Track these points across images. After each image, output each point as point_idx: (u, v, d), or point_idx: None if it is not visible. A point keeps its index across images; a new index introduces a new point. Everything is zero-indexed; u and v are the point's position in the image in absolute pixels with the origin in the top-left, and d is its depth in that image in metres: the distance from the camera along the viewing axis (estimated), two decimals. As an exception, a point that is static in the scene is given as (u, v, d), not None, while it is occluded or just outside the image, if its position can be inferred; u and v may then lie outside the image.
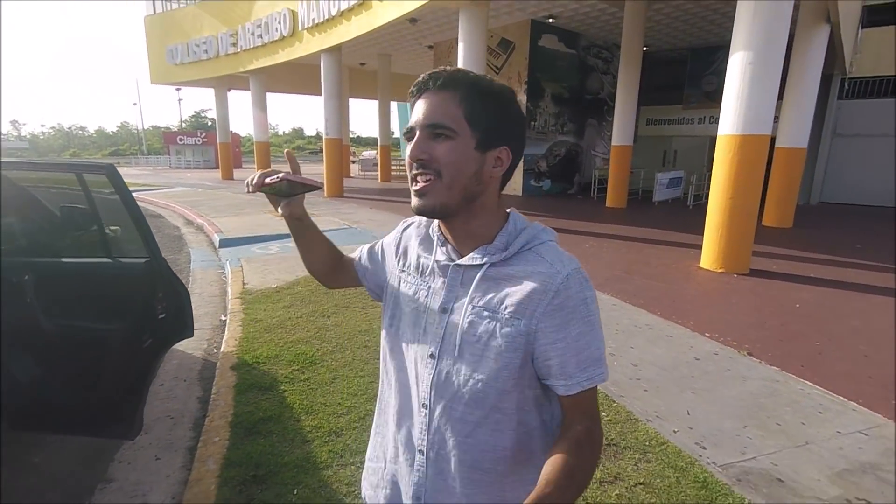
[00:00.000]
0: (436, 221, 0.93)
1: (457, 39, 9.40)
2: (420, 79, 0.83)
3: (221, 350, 3.80)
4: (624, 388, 3.18)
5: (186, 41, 18.61)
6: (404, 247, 0.99)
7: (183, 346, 3.80)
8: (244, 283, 5.56)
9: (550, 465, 0.74)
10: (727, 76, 5.91)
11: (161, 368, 3.43)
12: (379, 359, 1.02)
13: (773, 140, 7.04)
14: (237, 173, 24.42)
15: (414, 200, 0.83)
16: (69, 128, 78.79)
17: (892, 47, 13.45)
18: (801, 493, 2.25)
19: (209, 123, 61.63)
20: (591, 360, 0.82)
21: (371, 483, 1.01)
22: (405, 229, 1.02)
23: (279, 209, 0.97)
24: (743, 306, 4.99)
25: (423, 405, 0.88)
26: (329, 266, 1.10)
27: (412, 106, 0.84)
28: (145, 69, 22.16)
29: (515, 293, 0.82)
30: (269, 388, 3.15)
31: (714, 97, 6.33)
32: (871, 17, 13.71)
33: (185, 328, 2.39)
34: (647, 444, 2.60)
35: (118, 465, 2.47)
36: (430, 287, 0.90)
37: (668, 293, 5.34)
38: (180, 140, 38.19)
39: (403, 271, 0.97)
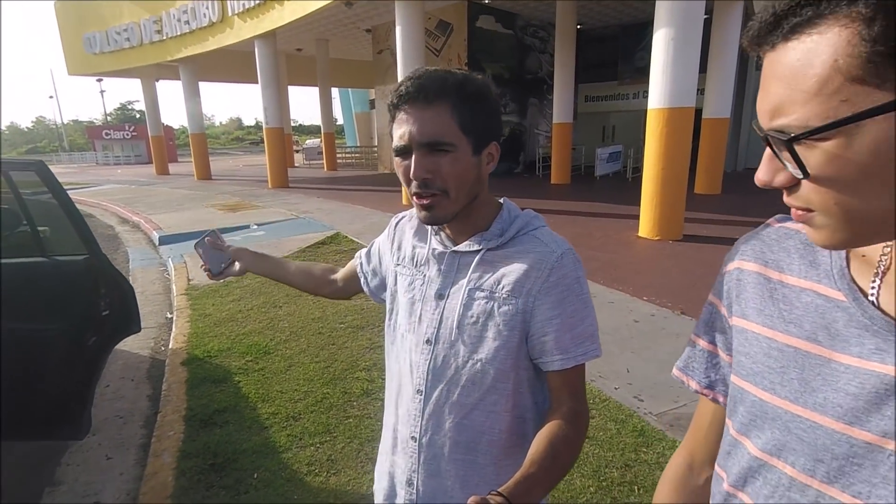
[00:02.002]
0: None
1: (395, 22, 9.32)
2: (403, 89, 0.80)
3: (170, 347, 3.75)
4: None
5: (105, 29, 17.42)
6: (398, 241, 1.00)
7: (128, 345, 3.72)
8: (189, 279, 5.43)
9: (536, 446, 0.76)
10: (652, 52, 6.19)
11: (106, 369, 3.35)
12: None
13: (699, 112, 7.47)
14: (173, 167, 23.33)
15: (421, 214, 0.84)
16: (-24, 126, 72.52)
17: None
18: (725, 431, 2.51)
19: (137, 116, 58.18)
20: (586, 336, 0.84)
21: (377, 474, 1.04)
22: (398, 223, 1.03)
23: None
24: (677, 270, 5.34)
25: (419, 391, 0.90)
26: (316, 282, 1.19)
27: (394, 117, 0.83)
28: (60, 59, 20.42)
29: (512, 273, 0.84)
30: (222, 380, 3.15)
31: (646, 72, 6.60)
32: (783, -8, 14.61)
33: (131, 323, 2.37)
34: (591, 401, 2.80)
35: (66, 469, 2.44)
36: (425, 276, 0.92)
37: (609, 262, 5.63)
38: (106, 134, 35.97)
39: (399, 264, 0.98)
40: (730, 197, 10.15)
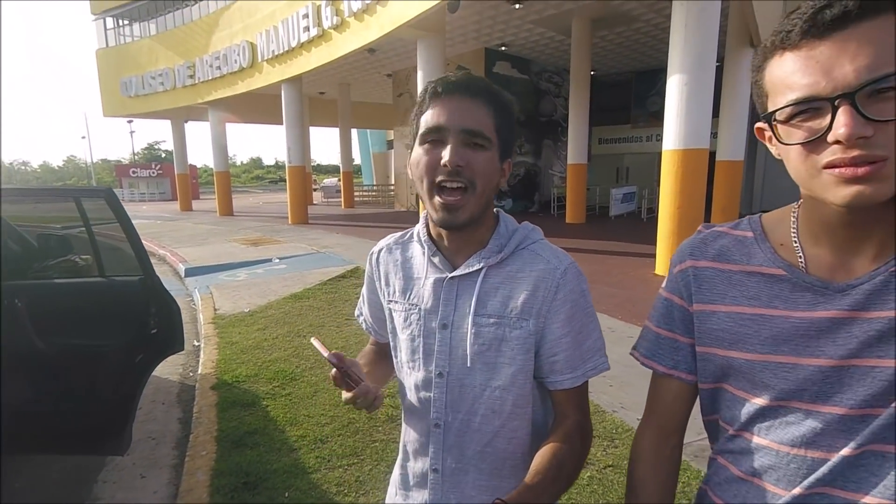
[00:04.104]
0: (415, 239, 0.91)
1: (415, 67, 9.76)
2: (449, 79, 0.78)
3: (199, 372, 3.85)
4: (591, 385, 3.34)
5: (142, 73, 18.44)
6: (384, 277, 0.95)
7: (158, 371, 3.85)
8: (216, 309, 5.57)
9: (541, 457, 0.75)
10: (666, 96, 6.42)
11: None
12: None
13: (713, 155, 7.62)
14: (196, 204, 24.03)
15: (442, 215, 0.78)
16: (10, 163, 76.01)
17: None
18: (750, 463, 2.52)
19: (163, 155, 60.31)
20: (594, 351, 0.83)
21: None
22: (376, 261, 0.97)
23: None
24: (695, 307, 5.35)
25: (437, 425, 0.86)
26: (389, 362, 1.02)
27: (433, 105, 0.78)
28: (94, 102, 21.47)
29: (518, 294, 0.81)
30: (251, 404, 3.24)
31: (659, 116, 6.80)
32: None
33: (175, 342, 2.49)
34: (614, 431, 2.83)
35: (103, 486, 2.52)
36: (420, 309, 0.86)
37: (628, 299, 5.67)
38: (133, 173, 37.20)
39: (392, 301, 0.93)
40: (746, 237, 10.13)
